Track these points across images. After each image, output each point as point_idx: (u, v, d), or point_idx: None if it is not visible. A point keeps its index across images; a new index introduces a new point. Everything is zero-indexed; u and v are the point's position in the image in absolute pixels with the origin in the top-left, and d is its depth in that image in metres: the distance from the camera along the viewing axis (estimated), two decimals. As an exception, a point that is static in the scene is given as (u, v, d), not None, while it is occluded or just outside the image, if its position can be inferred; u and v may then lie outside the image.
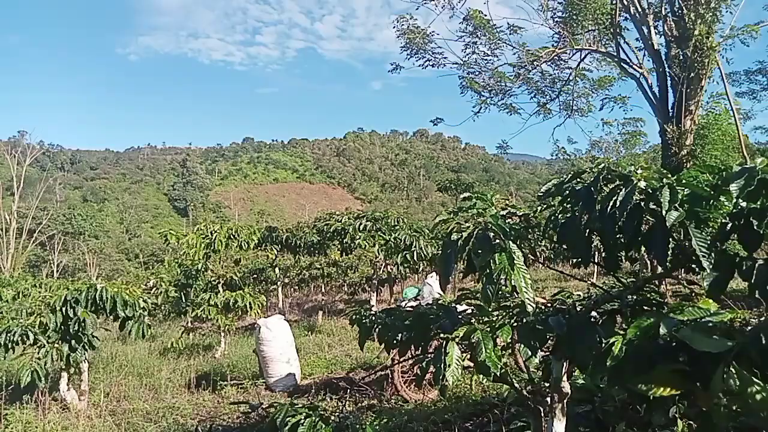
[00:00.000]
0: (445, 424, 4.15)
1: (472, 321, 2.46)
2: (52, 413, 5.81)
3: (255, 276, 17.02)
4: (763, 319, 1.71)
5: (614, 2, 12.34)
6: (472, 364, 2.35)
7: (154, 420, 5.73)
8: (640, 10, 12.45)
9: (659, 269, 2.27)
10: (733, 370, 2.39)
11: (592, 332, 2.16)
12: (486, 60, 14.76)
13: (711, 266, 1.88)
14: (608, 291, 2.56)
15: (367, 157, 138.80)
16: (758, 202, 1.88)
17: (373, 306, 11.02)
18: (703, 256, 1.89)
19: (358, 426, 3.35)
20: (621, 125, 23.06)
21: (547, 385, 2.63)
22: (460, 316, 2.60)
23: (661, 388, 2.35)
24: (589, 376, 2.32)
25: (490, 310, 2.55)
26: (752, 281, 1.80)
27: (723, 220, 1.97)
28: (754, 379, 1.51)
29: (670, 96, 12.32)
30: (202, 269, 10.87)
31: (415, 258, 11.13)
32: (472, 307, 2.71)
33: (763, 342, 1.56)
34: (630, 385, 2.30)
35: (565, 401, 2.55)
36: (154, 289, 12.49)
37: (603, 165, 2.28)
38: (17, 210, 35.03)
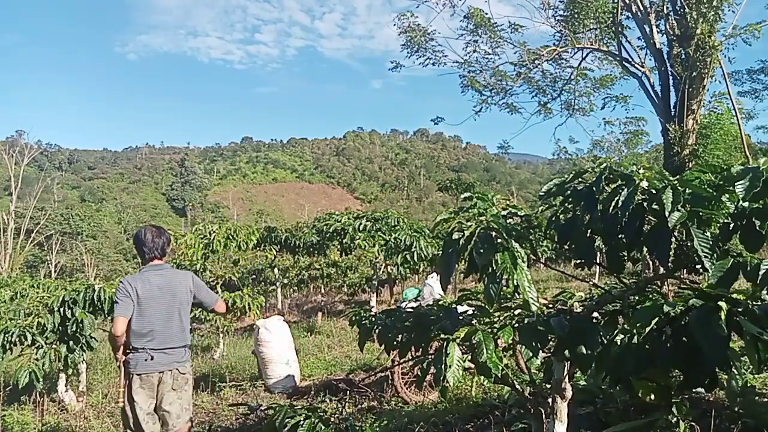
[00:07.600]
0: (446, 425, 4.12)
1: (473, 322, 2.44)
2: (50, 414, 5.80)
3: (254, 276, 16.98)
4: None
5: (616, 1, 12.32)
6: (473, 366, 2.32)
7: (152, 421, 5.69)
8: (642, 8, 12.42)
9: (661, 270, 2.25)
10: (735, 371, 2.35)
11: (594, 333, 2.14)
12: (487, 58, 14.76)
13: (712, 266, 1.86)
14: (610, 291, 2.54)
15: (367, 157, 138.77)
16: (761, 202, 1.86)
17: (372, 307, 10.99)
18: (705, 257, 1.87)
19: (358, 428, 3.33)
20: (623, 124, 22.99)
21: (548, 386, 2.61)
22: (460, 317, 2.57)
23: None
24: (591, 377, 2.30)
25: (491, 310, 2.52)
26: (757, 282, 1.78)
27: (724, 221, 1.95)
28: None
29: (672, 95, 12.30)
30: (201, 270, 10.83)
31: (415, 258, 11.08)
32: (473, 308, 2.69)
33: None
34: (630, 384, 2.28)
35: (566, 403, 2.53)
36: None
37: (605, 165, 2.25)
38: (15, 210, 35.06)
